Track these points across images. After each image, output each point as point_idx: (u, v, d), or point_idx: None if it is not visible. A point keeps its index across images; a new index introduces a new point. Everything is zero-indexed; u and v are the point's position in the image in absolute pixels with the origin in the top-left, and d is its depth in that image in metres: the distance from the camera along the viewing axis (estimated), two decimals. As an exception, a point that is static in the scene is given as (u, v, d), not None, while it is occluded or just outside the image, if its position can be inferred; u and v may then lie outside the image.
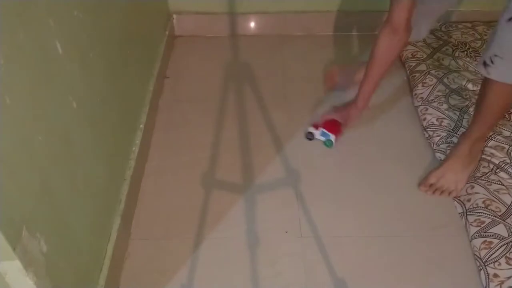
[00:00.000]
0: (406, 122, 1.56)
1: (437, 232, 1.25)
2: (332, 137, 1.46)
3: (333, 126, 1.48)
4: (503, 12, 1.10)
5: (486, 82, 1.22)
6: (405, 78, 1.73)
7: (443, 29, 1.88)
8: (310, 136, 1.50)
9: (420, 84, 1.63)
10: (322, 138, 1.48)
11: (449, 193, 1.32)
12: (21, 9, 0.73)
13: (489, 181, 1.30)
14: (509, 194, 1.27)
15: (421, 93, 1.60)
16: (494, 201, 1.25)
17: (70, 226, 0.92)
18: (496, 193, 1.27)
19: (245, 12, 1.92)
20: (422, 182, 1.35)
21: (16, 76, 0.72)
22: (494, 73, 1.16)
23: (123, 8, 1.29)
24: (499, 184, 1.29)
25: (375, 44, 1.32)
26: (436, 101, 1.55)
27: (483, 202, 1.25)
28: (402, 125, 1.56)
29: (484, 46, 1.80)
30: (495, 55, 1.14)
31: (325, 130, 1.47)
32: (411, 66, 1.71)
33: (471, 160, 1.34)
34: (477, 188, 1.29)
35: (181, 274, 1.16)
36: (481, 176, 1.32)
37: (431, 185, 1.33)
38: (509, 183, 1.30)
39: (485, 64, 1.17)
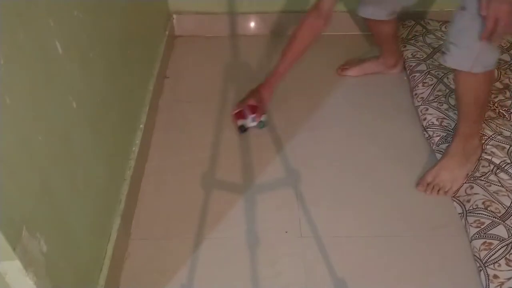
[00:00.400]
0: (406, 122, 1.56)
1: (437, 232, 1.25)
2: (263, 117, 1.50)
3: (257, 108, 1.50)
4: None
5: (454, 77, 1.25)
6: (405, 78, 1.73)
7: (443, 29, 1.88)
8: (243, 129, 1.50)
9: (420, 84, 1.63)
10: (255, 124, 1.50)
11: (446, 192, 1.32)
12: (21, 9, 0.74)
13: (488, 182, 1.30)
14: (508, 196, 1.26)
15: (422, 93, 1.60)
16: (493, 202, 1.25)
17: (70, 226, 0.92)
18: (495, 194, 1.27)
19: (245, 12, 1.92)
20: (420, 182, 1.35)
21: (16, 76, 0.72)
22: (450, 61, 1.20)
23: (123, 8, 1.29)
24: (498, 185, 1.29)
25: (299, 27, 1.43)
26: (436, 101, 1.55)
27: (483, 203, 1.25)
28: (402, 125, 1.56)
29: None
30: (450, 43, 1.17)
31: (254, 116, 1.49)
32: (411, 66, 1.71)
33: (467, 159, 1.34)
34: (477, 189, 1.29)
35: (181, 274, 1.16)
36: (480, 176, 1.32)
37: (428, 184, 1.34)
38: (510, 184, 1.30)
39: (443, 53, 1.21)
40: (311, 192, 1.35)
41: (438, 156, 1.41)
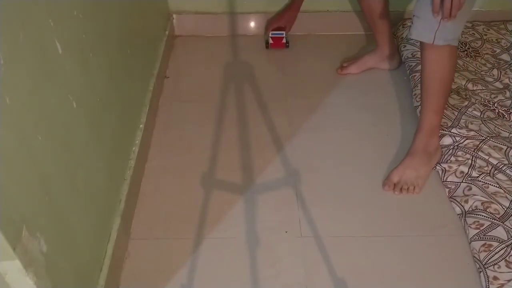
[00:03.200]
0: (406, 122, 1.56)
1: (437, 232, 1.25)
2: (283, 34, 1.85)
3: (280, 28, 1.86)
4: None
5: (420, 54, 1.31)
6: (405, 78, 1.73)
7: (443, 29, 1.88)
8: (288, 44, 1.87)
9: (420, 84, 1.62)
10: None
11: (413, 190, 1.33)
12: (21, 9, 0.74)
13: (486, 183, 1.30)
14: (506, 197, 1.26)
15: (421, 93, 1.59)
16: (492, 203, 1.25)
17: (70, 226, 0.92)
18: (493, 195, 1.27)
19: (245, 12, 1.92)
20: (386, 182, 1.35)
21: (16, 76, 0.72)
22: (414, 33, 1.27)
23: (123, 8, 1.29)
24: (496, 186, 1.29)
25: None
26: (435, 101, 1.55)
27: (482, 204, 1.25)
28: (402, 125, 1.55)
29: (483, 46, 1.81)
30: (414, 15, 1.25)
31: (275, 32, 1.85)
32: (411, 66, 1.71)
33: (430, 157, 1.36)
34: (475, 190, 1.29)
35: (181, 274, 1.16)
36: (477, 177, 1.32)
37: (395, 184, 1.34)
38: (508, 184, 1.30)
39: (409, 27, 1.28)
40: (311, 192, 1.35)
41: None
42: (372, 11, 1.64)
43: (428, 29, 1.22)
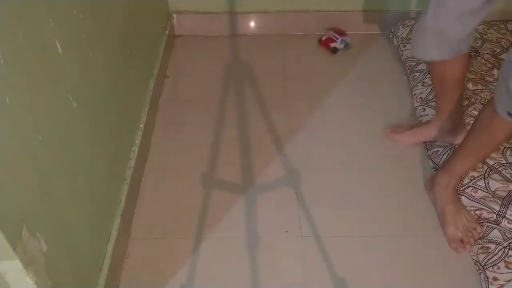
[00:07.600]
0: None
1: (437, 232, 1.25)
2: (348, 39, 1.85)
3: (342, 32, 1.86)
4: None
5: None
6: (405, 78, 1.73)
7: (443, 29, 1.87)
8: (335, 51, 1.84)
9: (420, 84, 1.63)
10: (342, 46, 1.84)
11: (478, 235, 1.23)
12: (21, 9, 0.74)
13: (475, 188, 1.27)
14: (495, 201, 1.24)
15: (421, 93, 1.60)
16: (483, 209, 1.23)
17: (70, 226, 0.92)
18: (482, 200, 1.25)
19: (245, 11, 1.92)
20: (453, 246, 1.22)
21: (16, 76, 0.72)
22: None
23: (123, 8, 1.29)
24: (485, 191, 1.26)
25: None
26: (434, 101, 1.55)
27: (474, 212, 1.24)
28: (402, 125, 1.56)
29: (483, 45, 1.80)
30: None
31: (343, 38, 1.84)
32: (411, 65, 1.71)
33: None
34: (464, 201, 1.26)
35: (181, 274, 1.16)
36: (469, 182, 1.29)
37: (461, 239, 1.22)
38: (498, 187, 1.27)
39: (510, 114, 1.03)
40: (311, 192, 1.35)
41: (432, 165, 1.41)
42: (446, 77, 1.28)
43: None
